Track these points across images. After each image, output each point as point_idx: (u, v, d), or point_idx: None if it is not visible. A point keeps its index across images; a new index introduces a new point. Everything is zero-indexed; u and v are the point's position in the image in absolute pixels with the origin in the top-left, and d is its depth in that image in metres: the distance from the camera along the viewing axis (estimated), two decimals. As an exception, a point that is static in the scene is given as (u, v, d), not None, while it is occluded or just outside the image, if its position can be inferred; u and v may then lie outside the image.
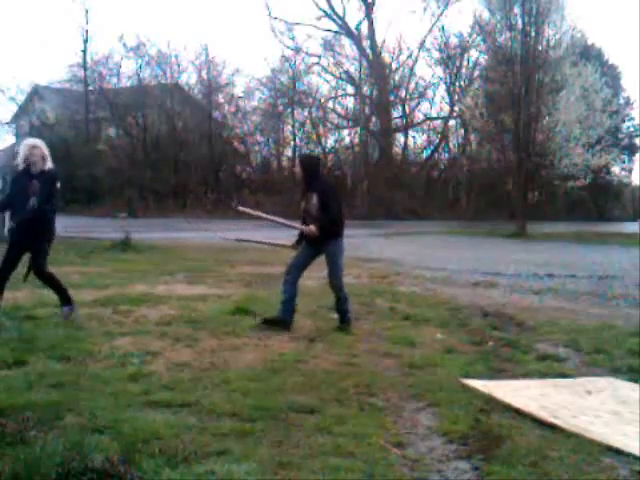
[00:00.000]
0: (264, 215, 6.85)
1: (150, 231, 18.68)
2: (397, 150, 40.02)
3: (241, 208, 6.95)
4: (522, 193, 24.82)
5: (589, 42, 34.76)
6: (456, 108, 37.26)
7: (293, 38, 38.65)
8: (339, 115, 39.67)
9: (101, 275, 9.17)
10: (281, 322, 5.92)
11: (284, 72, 38.17)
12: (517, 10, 24.03)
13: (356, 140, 39.06)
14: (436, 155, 40.67)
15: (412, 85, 39.64)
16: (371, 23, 38.67)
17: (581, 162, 24.63)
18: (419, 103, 40.35)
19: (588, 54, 29.58)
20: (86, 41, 34.80)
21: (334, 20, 38.99)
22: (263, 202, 29.95)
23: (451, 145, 40.69)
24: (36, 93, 38.09)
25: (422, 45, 38.84)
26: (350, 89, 39.98)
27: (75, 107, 35.27)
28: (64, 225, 6.61)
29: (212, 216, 31.08)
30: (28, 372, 4.27)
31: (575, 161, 24.45)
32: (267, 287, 8.37)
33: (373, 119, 39.49)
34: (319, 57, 39.21)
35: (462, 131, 38.89)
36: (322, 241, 5.96)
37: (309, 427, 3.44)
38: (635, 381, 4.46)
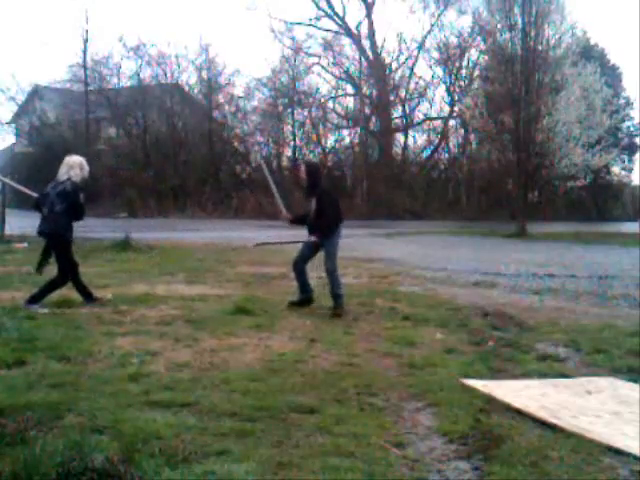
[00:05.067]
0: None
1: (150, 231, 18.68)
2: (397, 150, 39.96)
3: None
4: (522, 193, 24.78)
5: (591, 42, 34.74)
6: (456, 108, 37.24)
7: (293, 38, 38.68)
8: (339, 115, 39.62)
9: (101, 275, 9.16)
10: (304, 301, 7.12)
11: (284, 72, 38.14)
12: (517, 10, 24.01)
13: (356, 140, 39.02)
14: (436, 155, 40.62)
15: (412, 85, 39.66)
16: (371, 23, 38.70)
17: (581, 162, 24.60)
18: (419, 103, 40.33)
19: (589, 54, 29.54)
20: (86, 41, 34.78)
21: (334, 20, 39.01)
22: (263, 202, 29.91)
23: (451, 145, 40.65)
24: (36, 93, 38.04)
25: (422, 45, 38.89)
26: (350, 89, 40.00)
27: (75, 107, 35.25)
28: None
29: (211, 216, 31.07)
30: (28, 372, 4.27)
31: (575, 161, 24.41)
32: (267, 287, 8.37)
33: (373, 119, 39.45)
34: (319, 57, 39.24)
35: (462, 131, 38.85)
36: (322, 240, 7.02)
37: (309, 427, 3.44)
38: (635, 381, 4.46)
